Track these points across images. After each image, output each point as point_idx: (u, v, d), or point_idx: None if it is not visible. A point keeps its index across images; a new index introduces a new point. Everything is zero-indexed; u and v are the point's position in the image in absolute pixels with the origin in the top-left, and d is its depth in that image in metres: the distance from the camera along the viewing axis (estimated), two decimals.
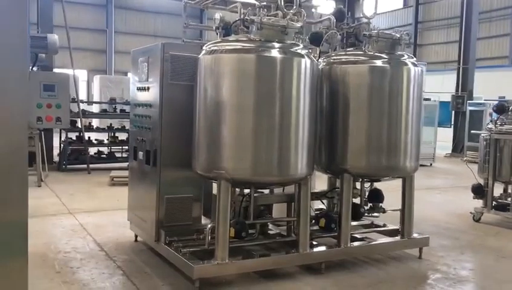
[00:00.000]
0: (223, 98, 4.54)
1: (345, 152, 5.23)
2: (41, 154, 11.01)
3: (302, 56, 4.69)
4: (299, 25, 4.75)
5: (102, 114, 13.15)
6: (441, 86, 23.91)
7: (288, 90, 4.62)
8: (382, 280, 5.04)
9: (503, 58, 29.44)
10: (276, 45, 4.61)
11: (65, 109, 9.86)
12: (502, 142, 7.52)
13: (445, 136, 19.41)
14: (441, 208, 8.80)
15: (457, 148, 17.97)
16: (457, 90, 18.31)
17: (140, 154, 5.56)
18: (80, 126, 11.78)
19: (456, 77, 18.48)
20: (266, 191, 5.57)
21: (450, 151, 18.52)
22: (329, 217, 5.32)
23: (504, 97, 18.73)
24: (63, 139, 11.98)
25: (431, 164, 15.40)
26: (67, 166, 11.72)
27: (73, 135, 12.39)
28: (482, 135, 7.89)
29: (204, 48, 4.78)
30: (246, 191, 5.01)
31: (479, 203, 7.80)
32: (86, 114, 12.28)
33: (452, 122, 19.17)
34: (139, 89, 5.66)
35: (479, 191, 7.73)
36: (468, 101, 17.65)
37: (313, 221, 5.41)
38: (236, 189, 4.93)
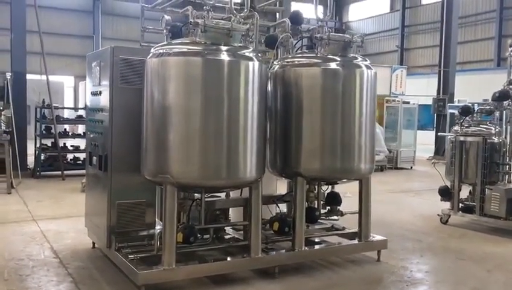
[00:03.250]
0: (168, 101, 4.50)
1: (298, 155, 5.19)
2: (15, 161, 10.95)
3: (249, 59, 4.66)
4: (245, 27, 4.71)
5: (77, 120, 13.04)
6: (426, 90, 24.04)
7: (235, 93, 4.59)
8: (335, 283, 5.00)
9: (488, 61, 29.63)
10: (223, 47, 4.58)
11: None
12: (467, 144, 7.51)
13: (428, 139, 19.48)
14: (412, 211, 8.78)
15: (440, 151, 17.96)
16: (438, 93, 18.36)
17: (94, 159, 5.50)
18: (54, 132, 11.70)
19: (438, 80, 18.54)
20: (222, 195, 5.55)
21: (432, 154, 18.52)
22: (283, 220, 5.27)
23: (488, 100, 18.81)
24: (38, 145, 11.86)
25: (411, 167, 15.40)
26: (42, 173, 11.61)
27: (48, 142, 12.29)
28: (449, 137, 7.89)
29: (152, 50, 4.74)
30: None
31: (448, 205, 7.79)
32: (60, 120, 12.18)
33: (434, 125, 19.22)
34: (92, 93, 5.61)
35: (445, 193, 7.72)
36: (448, 104, 17.70)
37: (267, 225, 5.36)
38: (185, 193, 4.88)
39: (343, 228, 6.00)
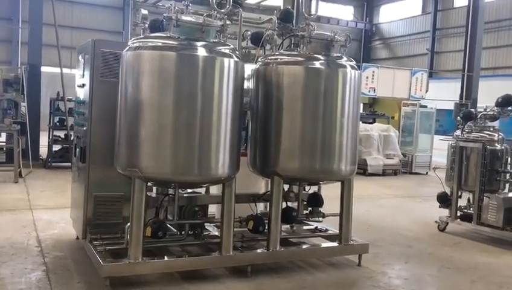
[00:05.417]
0: (140, 95, 4.50)
1: (276, 154, 5.13)
2: (27, 151, 11.22)
3: (224, 55, 4.62)
4: (219, 23, 4.67)
5: None
6: (454, 94, 23.48)
7: (209, 89, 4.55)
8: (307, 285, 4.92)
9: None
10: (198, 43, 4.55)
11: None
12: (468, 150, 7.28)
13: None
14: (413, 217, 8.58)
15: None
16: (461, 98, 17.91)
17: (77, 151, 5.56)
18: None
19: (461, 84, 18.10)
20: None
21: None
22: (258, 219, 5.21)
23: None
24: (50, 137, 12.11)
25: (427, 173, 15.03)
26: (53, 163, 11.85)
27: (62, 134, 12.53)
28: (449, 142, 7.67)
29: (128, 43, 4.75)
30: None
31: (447, 212, 7.58)
32: (72, 113, 12.37)
33: None
34: (78, 86, 5.68)
35: (444, 199, 7.52)
36: None
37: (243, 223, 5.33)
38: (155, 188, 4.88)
39: (326, 230, 5.90)
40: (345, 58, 5.25)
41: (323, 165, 5.14)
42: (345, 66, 5.17)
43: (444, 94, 22.05)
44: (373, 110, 16.35)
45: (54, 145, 12.05)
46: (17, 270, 4.90)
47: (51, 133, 12.16)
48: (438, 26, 34.05)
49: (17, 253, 5.40)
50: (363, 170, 13.78)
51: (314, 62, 5.09)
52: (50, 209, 7.59)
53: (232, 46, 4.81)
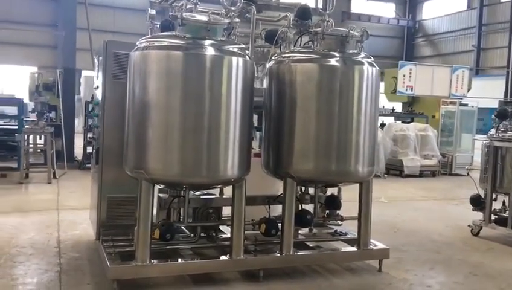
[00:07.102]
0: (148, 96, 4.44)
1: (290, 155, 4.96)
2: (62, 153, 11.49)
3: (232, 54, 4.51)
4: (226, 21, 4.55)
5: None
6: (501, 92, 22.55)
7: (216, 88, 4.45)
8: None
9: None
10: (206, 42, 4.46)
11: None
12: (504, 150, 6.88)
13: None
14: (446, 220, 8.19)
15: None
16: (505, 95, 17.13)
17: (94, 152, 5.59)
18: None
19: (505, 81, 17.30)
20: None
21: None
22: (270, 222, 5.06)
23: None
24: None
25: (468, 174, 14.40)
26: (87, 165, 12.04)
27: None
28: (484, 141, 7.27)
29: (137, 43, 4.71)
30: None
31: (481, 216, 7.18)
32: None
33: None
34: (94, 88, 5.71)
35: (477, 202, 7.13)
36: None
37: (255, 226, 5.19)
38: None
39: (345, 234, 5.68)
40: (362, 55, 5.03)
41: (339, 167, 4.94)
42: (362, 63, 4.95)
43: (490, 92, 21.17)
44: (411, 109, 15.83)
45: (88, 147, 12.25)
46: (31, 270, 4.95)
47: (85, 135, 12.39)
48: (484, 22, 32.79)
49: (36, 253, 5.46)
50: (399, 171, 13.39)
51: (329, 59, 4.90)
52: (76, 210, 7.66)
53: (241, 45, 4.68)
